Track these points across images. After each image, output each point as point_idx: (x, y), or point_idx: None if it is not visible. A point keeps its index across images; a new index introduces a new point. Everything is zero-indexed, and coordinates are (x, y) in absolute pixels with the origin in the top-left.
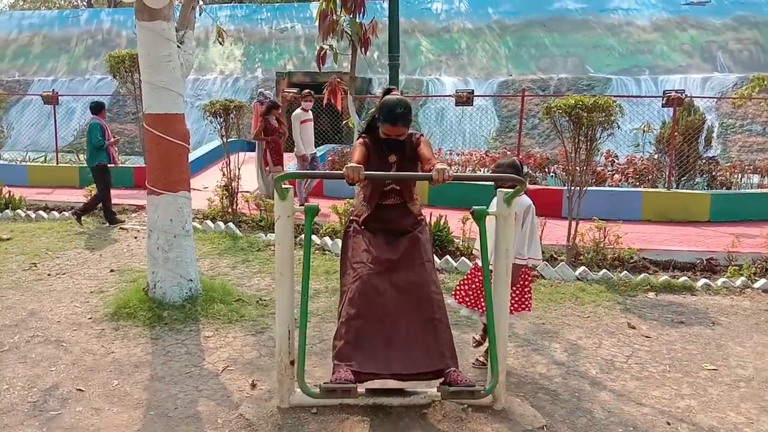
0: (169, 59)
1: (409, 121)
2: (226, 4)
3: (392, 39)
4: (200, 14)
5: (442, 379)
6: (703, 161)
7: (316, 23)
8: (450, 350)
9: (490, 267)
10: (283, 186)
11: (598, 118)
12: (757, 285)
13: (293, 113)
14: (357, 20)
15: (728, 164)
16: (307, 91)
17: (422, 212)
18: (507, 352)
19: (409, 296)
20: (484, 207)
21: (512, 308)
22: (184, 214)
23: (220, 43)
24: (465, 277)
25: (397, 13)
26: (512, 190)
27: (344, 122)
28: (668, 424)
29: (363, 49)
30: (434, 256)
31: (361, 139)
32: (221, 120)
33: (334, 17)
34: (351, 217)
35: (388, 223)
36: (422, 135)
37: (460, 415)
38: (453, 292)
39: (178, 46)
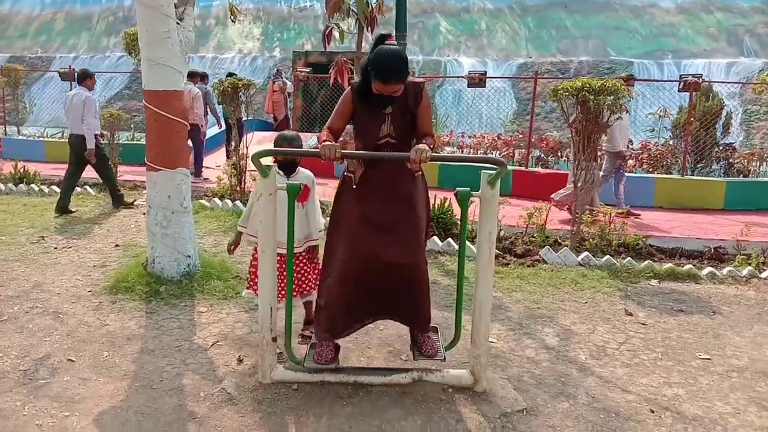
0: (168, 35)
1: (404, 76)
2: None
3: (399, 18)
4: None
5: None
6: (720, 148)
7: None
8: (427, 320)
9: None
10: (264, 164)
11: (606, 101)
12: (764, 275)
13: None
14: None
15: (746, 151)
16: (628, 74)
17: (421, 167)
18: (489, 334)
19: (397, 281)
20: (468, 189)
21: (310, 288)
22: (182, 190)
23: (232, 21)
24: None
25: None
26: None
27: None
28: (652, 411)
29: (369, 27)
30: (429, 221)
31: (347, 92)
32: (228, 99)
33: None
34: (345, 173)
35: (384, 182)
36: (425, 87)
37: (440, 396)
38: None
39: (178, 23)
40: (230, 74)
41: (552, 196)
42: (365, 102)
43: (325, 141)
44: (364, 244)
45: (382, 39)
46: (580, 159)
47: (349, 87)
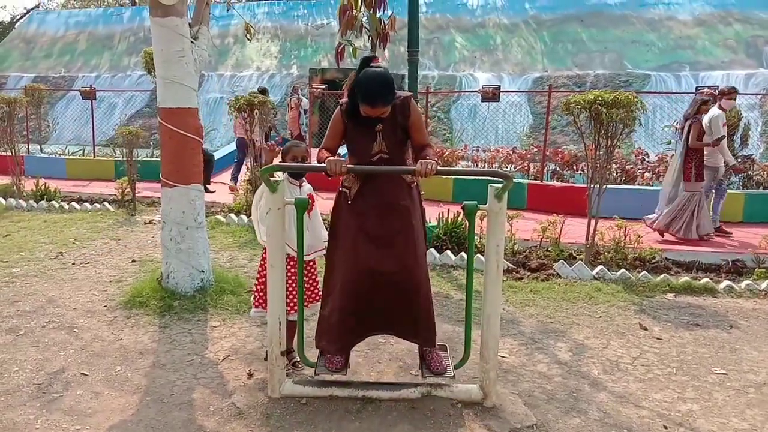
0: (182, 54)
1: (390, 99)
2: (263, 1)
3: (411, 34)
4: (227, 11)
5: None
6: (739, 160)
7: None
8: (429, 336)
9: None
10: (272, 179)
11: (618, 115)
12: None
13: (713, 114)
14: (376, 16)
15: (766, 163)
16: (731, 87)
17: (416, 180)
18: (498, 348)
19: (397, 292)
20: (475, 202)
21: (312, 299)
22: (196, 206)
23: (248, 39)
24: None
25: (417, 8)
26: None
27: None
28: (665, 428)
29: (382, 44)
30: (426, 231)
31: (337, 113)
32: (245, 116)
33: (354, 12)
34: (341, 188)
35: (379, 196)
36: (412, 97)
37: (449, 411)
38: None
39: (192, 42)
40: (262, 90)
41: (647, 220)
42: (355, 121)
43: (328, 158)
44: (363, 258)
45: (366, 61)
46: (595, 169)
47: (338, 107)
